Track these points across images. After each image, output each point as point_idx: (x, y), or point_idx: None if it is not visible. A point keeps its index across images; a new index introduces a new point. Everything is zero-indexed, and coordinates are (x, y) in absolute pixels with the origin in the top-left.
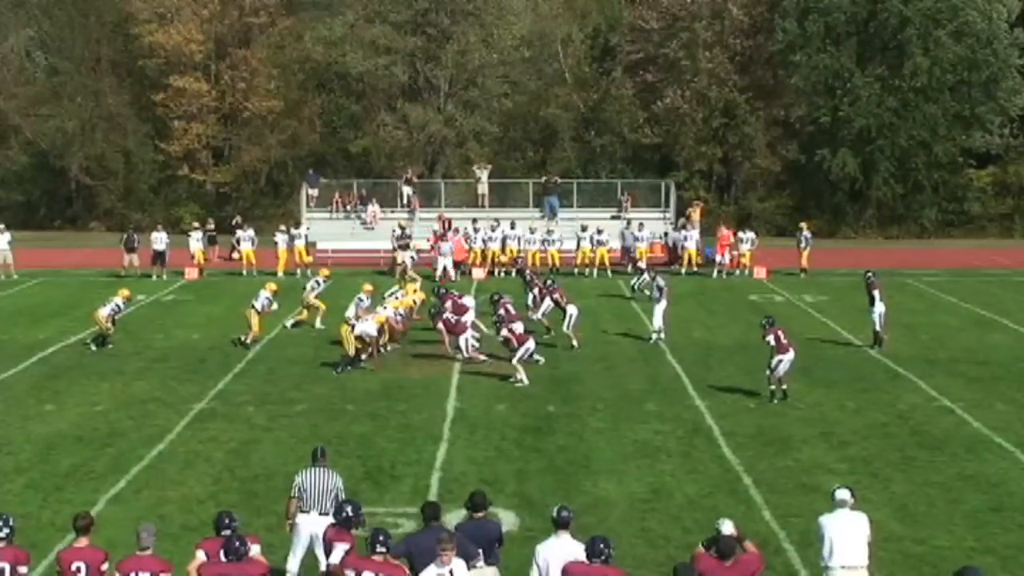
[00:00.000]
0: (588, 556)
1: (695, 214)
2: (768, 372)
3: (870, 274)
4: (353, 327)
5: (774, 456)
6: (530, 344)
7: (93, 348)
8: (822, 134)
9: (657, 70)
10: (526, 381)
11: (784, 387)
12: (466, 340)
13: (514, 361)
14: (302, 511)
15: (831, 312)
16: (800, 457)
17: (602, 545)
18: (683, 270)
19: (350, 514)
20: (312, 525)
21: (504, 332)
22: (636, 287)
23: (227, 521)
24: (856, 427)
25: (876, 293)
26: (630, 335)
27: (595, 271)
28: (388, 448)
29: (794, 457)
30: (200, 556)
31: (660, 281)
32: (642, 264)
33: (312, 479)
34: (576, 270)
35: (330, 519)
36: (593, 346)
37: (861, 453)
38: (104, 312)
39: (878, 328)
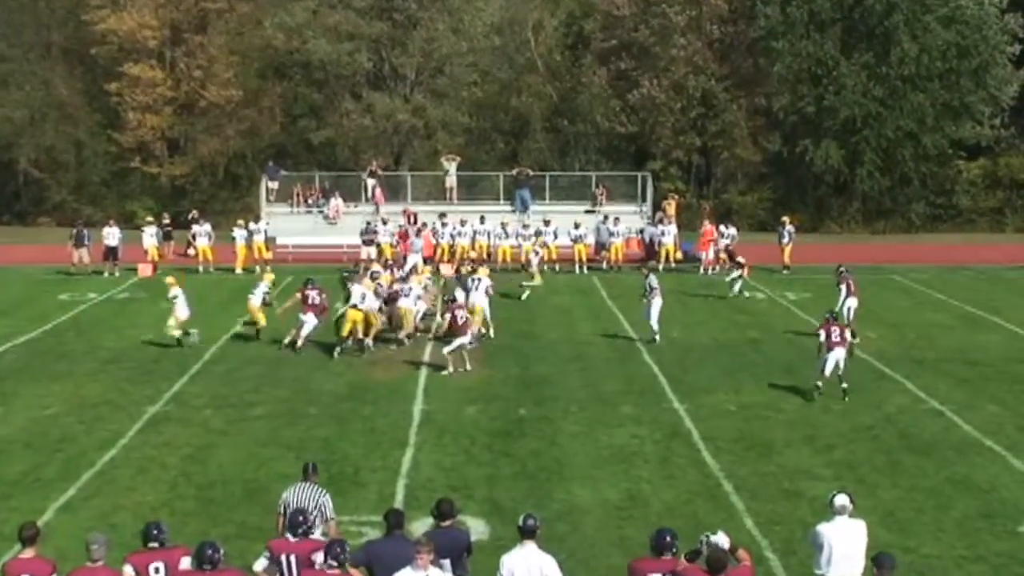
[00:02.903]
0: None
1: (670, 208)
2: (819, 371)
3: (843, 268)
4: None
5: (756, 461)
6: (466, 339)
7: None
8: (805, 124)
9: (631, 58)
10: (451, 369)
11: (844, 386)
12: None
13: (446, 351)
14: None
15: (815, 310)
16: (783, 462)
17: (668, 538)
18: (660, 266)
19: (339, 551)
20: None
21: (449, 314)
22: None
23: (155, 532)
24: (841, 430)
25: (844, 288)
26: (605, 334)
27: (579, 267)
28: (352, 453)
29: (777, 462)
30: (128, 572)
31: (652, 280)
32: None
33: (298, 495)
34: (545, 265)
35: (315, 538)
36: (567, 346)
37: (846, 457)
38: (256, 302)
39: (847, 322)
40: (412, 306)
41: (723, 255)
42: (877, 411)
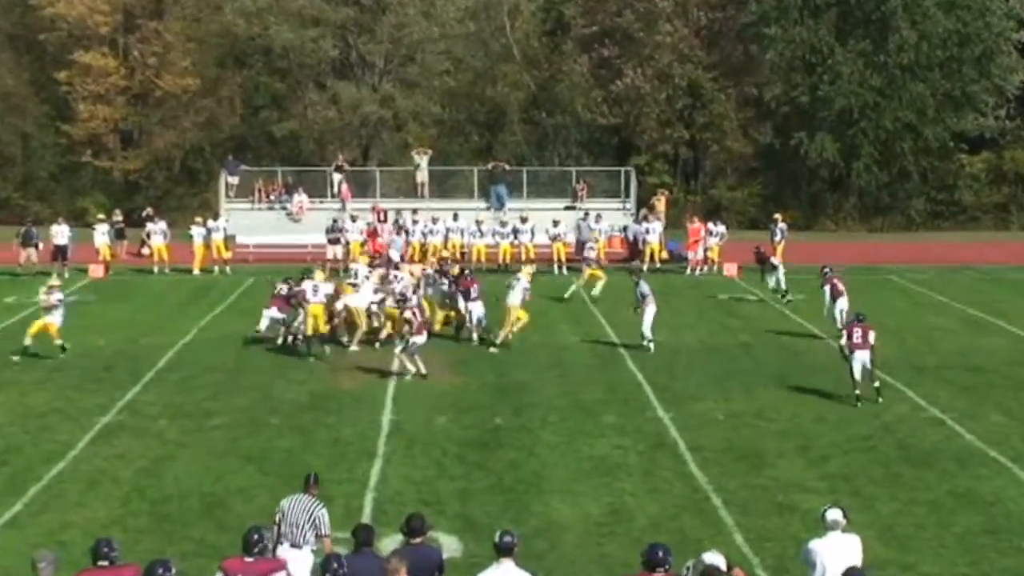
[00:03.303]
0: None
1: (659, 204)
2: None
3: (827, 269)
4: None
5: (746, 473)
6: (420, 339)
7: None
8: (799, 115)
9: (614, 45)
10: (398, 368)
11: (876, 385)
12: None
13: (398, 351)
14: (279, 542)
15: (809, 313)
16: (775, 474)
17: (662, 553)
18: (645, 266)
19: (337, 566)
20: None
21: (408, 313)
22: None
23: (106, 550)
24: (837, 440)
25: (828, 289)
26: (586, 339)
27: (558, 267)
28: (316, 465)
29: (768, 474)
30: None
31: (644, 287)
32: (775, 260)
33: (294, 507)
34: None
35: (305, 552)
36: (545, 351)
37: (842, 469)
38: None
39: (840, 325)
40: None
41: (712, 255)
42: (875, 420)
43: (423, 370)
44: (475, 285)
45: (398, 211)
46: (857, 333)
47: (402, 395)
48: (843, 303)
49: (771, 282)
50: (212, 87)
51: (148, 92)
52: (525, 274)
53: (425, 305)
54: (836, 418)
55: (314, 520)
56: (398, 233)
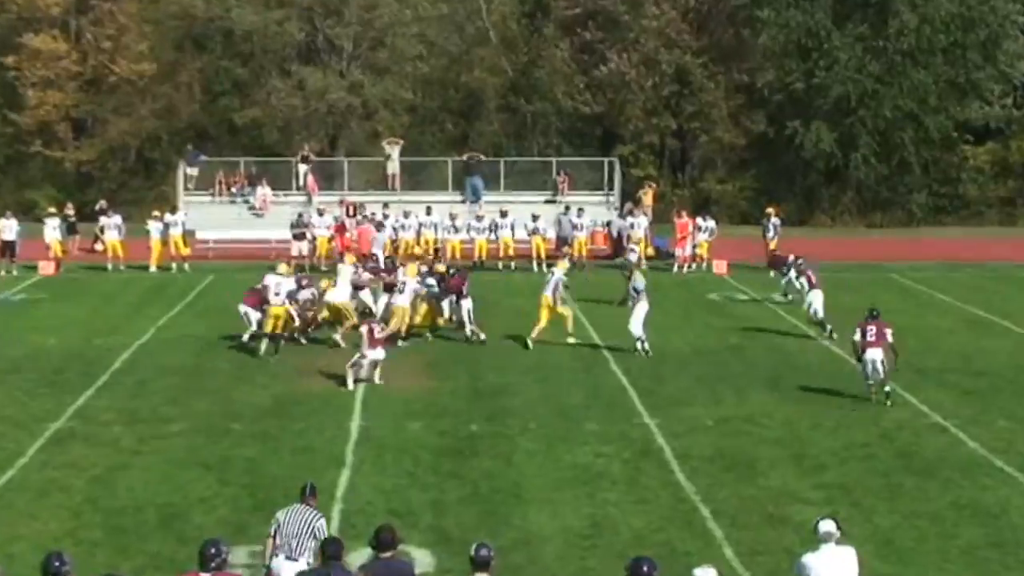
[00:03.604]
0: None
1: (647, 198)
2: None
3: (800, 260)
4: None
5: (737, 483)
6: (376, 355)
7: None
8: (793, 103)
9: (597, 28)
10: (350, 386)
11: (887, 389)
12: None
13: (348, 364)
14: (275, 554)
15: (804, 313)
16: (767, 484)
17: (647, 568)
18: (629, 260)
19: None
20: (280, 570)
21: (364, 327)
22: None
23: (57, 564)
24: (833, 448)
25: (805, 281)
26: (568, 341)
27: (537, 264)
28: (281, 475)
29: (760, 484)
30: None
31: (638, 282)
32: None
33: (292, 517)
34: (500, 263)
35: (301, 565)
36: (524, 353)
37: (839, 479)
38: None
39: (818, 321)
40: (406, 304)
41: (701, 252)
42: (873, 427)
43: (376, 380)
44: (465, 283)
45: (361, 205)
46: (871, 331)
47: (372, 400)
48: (816, 296)
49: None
50: (170, 72)
51: (102, 78)
52: (560, 267)
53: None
54: (832, 424)
55: (314, 531)
56: (378, 228)
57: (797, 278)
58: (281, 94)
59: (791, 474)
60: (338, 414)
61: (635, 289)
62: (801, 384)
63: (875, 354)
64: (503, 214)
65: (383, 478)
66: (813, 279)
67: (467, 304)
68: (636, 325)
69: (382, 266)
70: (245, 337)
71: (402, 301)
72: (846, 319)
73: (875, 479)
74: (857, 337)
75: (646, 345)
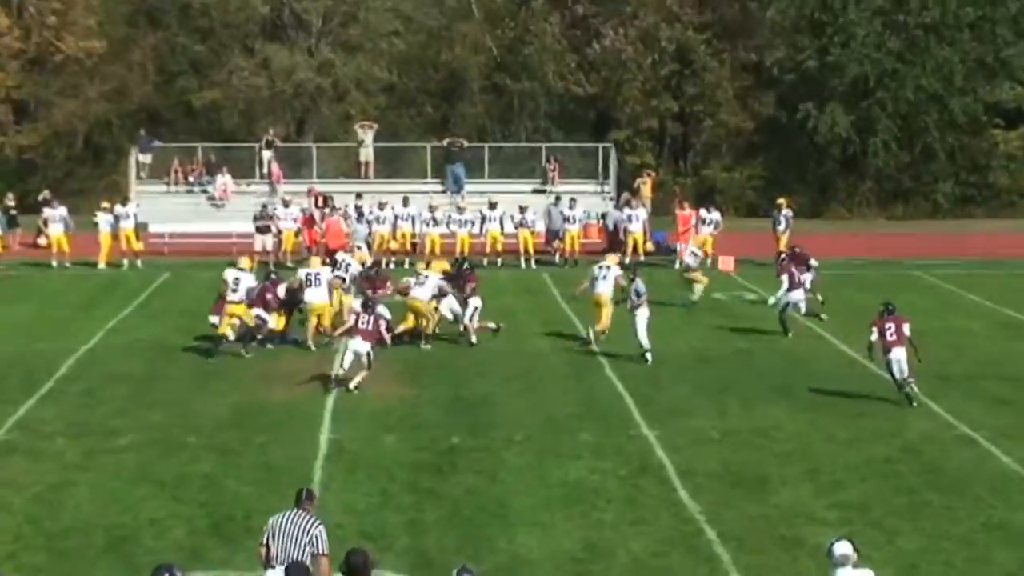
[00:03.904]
0: None
1: (645, 188)
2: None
3: (783, 257)
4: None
5: (745, 501)
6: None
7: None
8: (805, 84)
9: (591, 1)
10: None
11: (907, 391)
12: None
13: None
14: (270, 565)
15: (812, 313)
16: (779, 502)
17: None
18: (627, 260)
19: None
20: None
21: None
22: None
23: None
24: (851, 463)
25: (786, 279)
26: (558, 344)
27: (525, 260)
28: (242, 493)
29: (771, 502)
30: None
31: (640, 285)
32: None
33: (286, 525)
34: (486, 260)
35: None
36: (511, 358)
37: (857, 497)
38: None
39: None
40: (427, 297)
41: (705, 247)
42: (895, 439)
43: (351, 383)
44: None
45: (329, 196)
46: (890, 328)
47: (343, 410)
48: (797, 295)
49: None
50: (121, 50)
51: (46, 56)
52: (611, 261)
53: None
54: (850, 436)
55: (312, 538)
56: (358, 219)
57: (778, 275)
58: (243, 74)
59: (805, 492)
60: (305, 426)
61: (636, 293)
62: (815, 392)
63: (900, 353)
64: (492, 205)
65: (355, 496)
66: (796, 278)
67: (476, 303)
68: (643, 333)
69: (370, 272)
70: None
71: (422, 294)
72: (862, 320)
73: (897, 497)
74: (874, 337)
75: (648, 353)
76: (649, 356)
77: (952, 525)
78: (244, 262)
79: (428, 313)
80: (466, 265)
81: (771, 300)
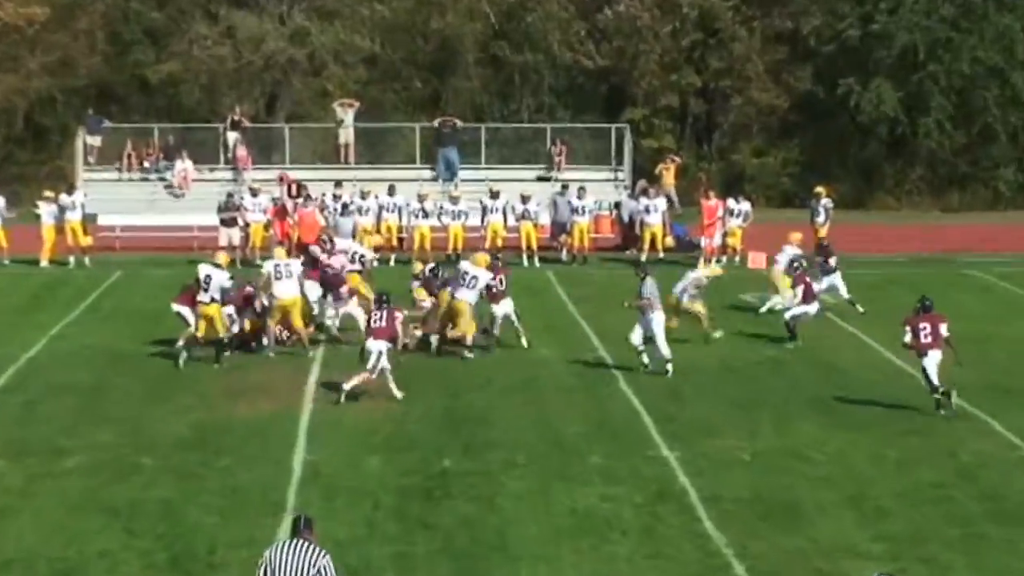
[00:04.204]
0: None
1: (667, 175)
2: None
3: (797, 265)
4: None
5: (778, 532)
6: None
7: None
8: (847, 56)
9: None
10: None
11: (936, 396)
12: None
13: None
14: None
15: (861, 318)
16: (816, 534)
17: None
18: (643, 257)
19: None
20: None
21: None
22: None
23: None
24: (899, 488)
25: (801, 290)
26: (565, 352)
27: (527, 257)
28: (205, 523)
29: (808, 534)
30: None
31: (651, 287)
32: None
33: (286, 557)
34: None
35: None
36: (511, 369)
37: (906, 528)
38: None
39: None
40: (473, 300)
41: (733, 242)
42: (949, 461)
43: (343, 390)
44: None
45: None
46: (925, 328)
47: (320, 427)
48: (811, 310)
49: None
50: (66, 17)
51: None
52: (705, 270)
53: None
54: (897, 458)
55: (320, 570)
56: (344, 213)
57: (793, 285)
58: (206, 43)
59: (846, 521)
60: (277, 446)
61: (646, 296)
62: (857, 407)
63: (935, 356)
64: (494, 194)
65: (335, 526)
66: (812, 287)
67: (510, 304)
68: (662, 340)
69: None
70: (180, 343)
71: (470, 297)
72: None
73: (951, 528)
74: (908, 338)
75: (670, 365)
76: (669, 367)
77: (1014, 560)
78: (221, 258)
79: (473, 319)
80: (498, 260)
81: (771, 304)
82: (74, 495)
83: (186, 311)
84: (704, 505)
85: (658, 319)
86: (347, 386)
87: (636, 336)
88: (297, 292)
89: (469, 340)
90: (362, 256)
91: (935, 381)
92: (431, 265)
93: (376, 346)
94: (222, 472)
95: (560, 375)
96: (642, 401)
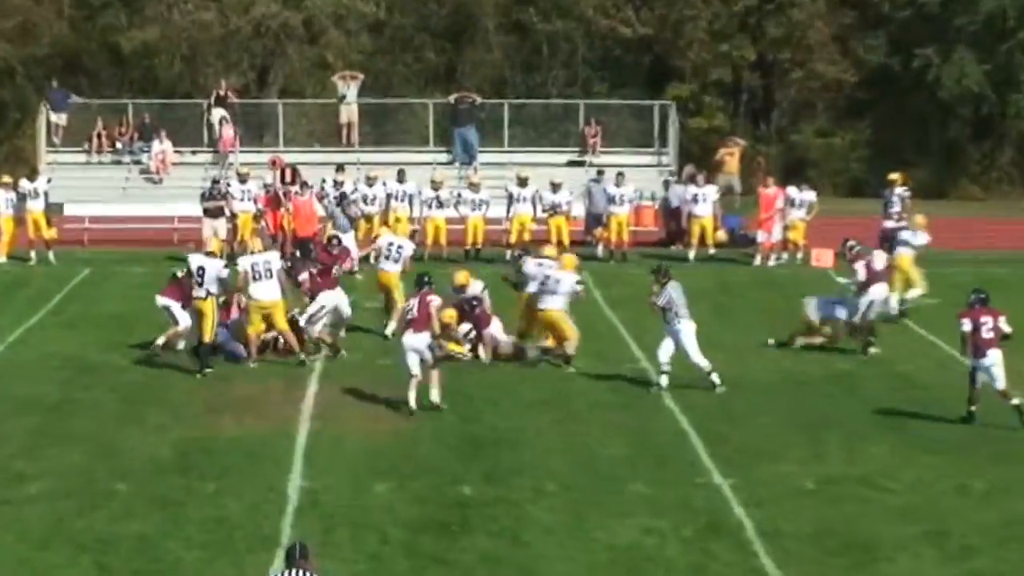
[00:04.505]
0: None
1: (732, 161)
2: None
3: (852, 243)
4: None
5: (848, 571)
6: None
7: None
8: (925, 23)
9: None
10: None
11: (1017, 402)
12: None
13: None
14: None
15: (942, 325)
16: (893, 573)
17: None
18: (691, 253)
19: None
20: None
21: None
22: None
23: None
24: (986, 523)
25: (862, 268)
26: (602, 364)
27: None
28: (187, 559)
29: (883, 573)
30: None
31: (675, 293)
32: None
33: None
34: (509, 253)
35: None
36: (539, 382)
37: (995, 567)
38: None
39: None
40: (562, 307)
41: (795, 237)
42: None
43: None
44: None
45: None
46: (986, 323)
47: (319, 448)
48: (879, 291)
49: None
50: None
51: None
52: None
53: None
54: (986, 488)
55: None
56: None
57: (850, 262)
58: (187, 7)
59: (927, 560)
60: (270, 470)
61: (670, 303)
62: (939, 428)
63: (997, 357)
64: (522, 182)
65: (337, 563)
66: (872, 268)
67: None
68: (695, 351)
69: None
70: (159, 341)
71: (558, 303)
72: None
73: None
74: (967, 327)
75: (715, 377)
76: (716, 379)
77: None
78: (214, 245)
79: (568, 327)
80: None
81: (912, 297)
82: (37, 526)
83: (174, 306)
84: (762, 540)
85: (687, 329)
86: (412, 401)
87: (664, 351)
88: (278, 294)
89: (572, 350)
90: (399, 247)
91: (1001, 385)
92: (517, 252)
93: (414, 342)
94: (207, 500)
95: (595, 389)
96: (691, 420)
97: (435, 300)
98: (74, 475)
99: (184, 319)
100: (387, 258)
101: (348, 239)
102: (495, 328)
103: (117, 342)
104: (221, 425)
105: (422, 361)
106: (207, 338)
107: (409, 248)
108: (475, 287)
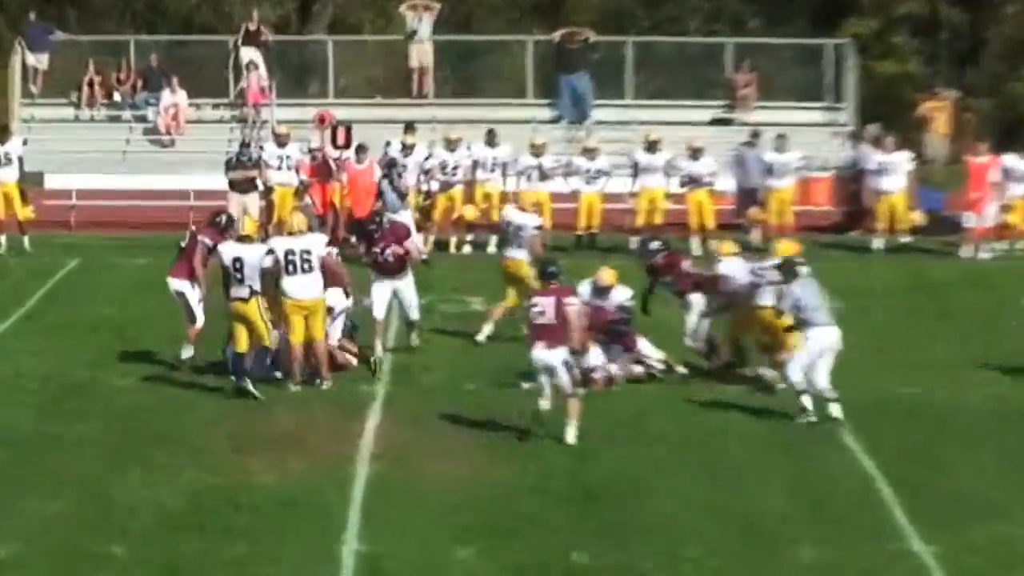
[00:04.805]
0: None
1: (940, 120)
2: None
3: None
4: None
5: None
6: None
7: None
8: None
9: None
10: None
11: None
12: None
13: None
14: None
15: None
16: None
17: None
18: (877, 241)
19: None
20: None
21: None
22: None
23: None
24: None
25: None
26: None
27: (700, 241)
28: None
29: None
30: None
31: (803, 291)
32: None
33: None
34: (634, 240)
35: None
36: (674, 410)
37: None
38: None
39: None
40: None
41: (1014, 220)
42: None
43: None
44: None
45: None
46: None
47: (382, 499)
48: None
49: None
50: None
51: None
52: None
53: None
54: None
55: None
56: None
57: None
58: None
59: None
60: (316, 529)
61: (795, 306)
62: None
63: None
64: (650, 146)
65: None
66: None
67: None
68: (823, 376)
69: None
70: (184, 355)
71: (769, 299)
72: None
73: None
74: None
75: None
76: (836, 410)
77: None
78: (248, 226)
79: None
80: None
81: None
82: None
83: (188, 289)
84: None
85: (821, 338)
86: (571, 436)
87: (795, 369)
88: (319, 291)
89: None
90: (519, 228)
91: None
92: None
93: (547, 358)
94: (232, 569)
95: (749, 422)
96: (878, 464)
97: (575, 302)
98: (56, 532)
99: (200, 313)
100: (512, 244)
101: (404, 218)
102: (645, 347)
103: (112, 356)
104: (251, 468)
105: (554, 385)
106: (266, 342)
107: (532, 223)
108: (622, 293)
